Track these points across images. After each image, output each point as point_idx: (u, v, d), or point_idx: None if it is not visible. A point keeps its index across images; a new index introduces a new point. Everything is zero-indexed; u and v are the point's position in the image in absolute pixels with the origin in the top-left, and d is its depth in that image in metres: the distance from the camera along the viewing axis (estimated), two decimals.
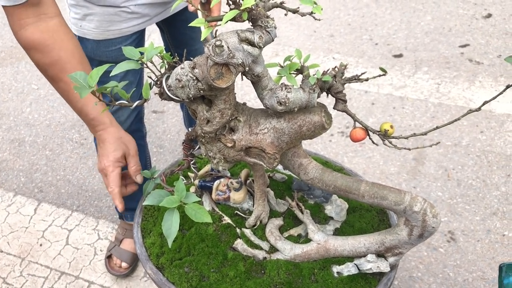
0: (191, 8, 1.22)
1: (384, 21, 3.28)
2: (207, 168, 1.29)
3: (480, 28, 3.10)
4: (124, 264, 1.94)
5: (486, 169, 2.21)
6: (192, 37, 1.67)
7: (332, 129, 2.48)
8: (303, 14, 0.84)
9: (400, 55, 2.96)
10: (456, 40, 3.02)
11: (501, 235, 1.95)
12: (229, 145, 0.98)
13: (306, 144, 2.39)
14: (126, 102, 0.90)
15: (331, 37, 3.19)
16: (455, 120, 0.86)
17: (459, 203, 2.08)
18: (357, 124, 0.95)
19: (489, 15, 3.22)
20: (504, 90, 0.79)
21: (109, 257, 1.98)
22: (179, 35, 1.67)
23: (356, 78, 0.90)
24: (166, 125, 2.67)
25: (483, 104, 0.83)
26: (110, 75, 0.89)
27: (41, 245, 2.08)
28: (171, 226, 0.87)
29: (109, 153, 1.17)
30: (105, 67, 0.89)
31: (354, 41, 3.12)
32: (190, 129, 1.02)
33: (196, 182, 1.23)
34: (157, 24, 1.62)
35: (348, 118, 2.52)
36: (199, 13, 1.24)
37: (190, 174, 1.24)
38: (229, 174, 1.29)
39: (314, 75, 0.90)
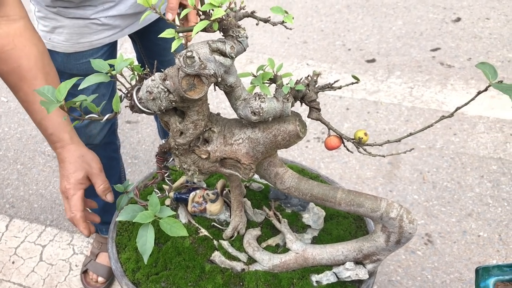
0: (168, 17, 1.18)
1: (356, 26, 3.32)
2: (182, 179, 1.27)
3: (450, 32, 3.16)
4: (100, 279, 1.89)
5: (460, 171, 2.24)
6: (165, 48, 1.64)
7: (308, 135, 2.48)
8: (274, 24, 0.83)
9: (373, 60, 2.99)
10: (428, 44, 3.07)
11: (477, 235, 1.97)
12: (204, 156, 0.97)
13: (283, 151, 2.39)
14: (96, 116, 0.88)
15: (304, 43, 3.20)
16: (428, 127, 0.86)
17: (435, 205, 2.10)
18: (332, 132, 0.94)
19: (458, 19, 3.28)
20: (475, 97, 0.80)
21: (84, 272, 1.93)
22: (152, 46, 1.65)
23: (329, 86, 0.89)
24: (140, 135, 2.64)
25: (456, 110, 0.83)
26: (79, 89, 0.87)
27: (13, 262, 2.02)
28: (146, 242, 0.85)
29: (69, 174, 1.09)
30: (73, 80, 0.86)
31: (327, 47, 3.14)
32: (164, 141, 1.00)
33: (172, 194, 1.21)
34: (129, 35, 1.59)
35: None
36: (177, 21, 1.20)
37: (165, 186, 1.22)
38: (205, 185, 1.28)
39: (287, 84, 0.89)
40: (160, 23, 1.53)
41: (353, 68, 2.93)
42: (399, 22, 3.31)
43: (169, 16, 1.13)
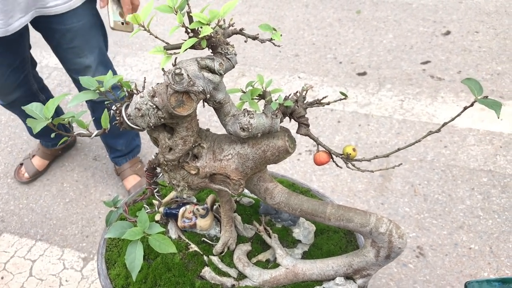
0: (100, 5, 1.32)
1: (347, 40, 3.34)
2: (172, 194, 1.27)
3: (440, 45, 3.19)
4: (26, 175, 2.40)
5: (451, 183, 2.25)
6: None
7: (300, 148, 2.49)
8: (262, 41, 0.84)
9: (364, 73, 3.01)
10: (418, 57, 3.10)
11: (468, 248, 1.98)
12: (193, 172, 0.97)
13: (274, 164, 2.39)
14: (86, 133, 0.88)
15: (296, 56, 3.22)
16: (416, 142, 0.87)
17: (427, 218, 2.10)
18: (320, 147, 0.95)
19: (448, 32, 3.31)
20: (461, 112, 0.81)
21: (21, 165, 2.42)
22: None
23: (317, 103, 0.90)
24: None
25: (443, 125, 0.84)
26: (68, 105, 0.86)
27: (2, 278, 2.00)
28: (134, 259, 0.84)
29: None
30: (63, 96, 0.87)
31: (319, 60, 3.16)
32: (153, 156, 1.00)
33: (161, 209, 1.21)
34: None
35: None
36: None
37: (154, 201, 1.22)
38: (195, 200, 1.27)
39: (276, 100, 0.89)
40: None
41: (345, 81, 2.95)
42: (390, 35, 3.34)
43: (101, 4, 1.28)
